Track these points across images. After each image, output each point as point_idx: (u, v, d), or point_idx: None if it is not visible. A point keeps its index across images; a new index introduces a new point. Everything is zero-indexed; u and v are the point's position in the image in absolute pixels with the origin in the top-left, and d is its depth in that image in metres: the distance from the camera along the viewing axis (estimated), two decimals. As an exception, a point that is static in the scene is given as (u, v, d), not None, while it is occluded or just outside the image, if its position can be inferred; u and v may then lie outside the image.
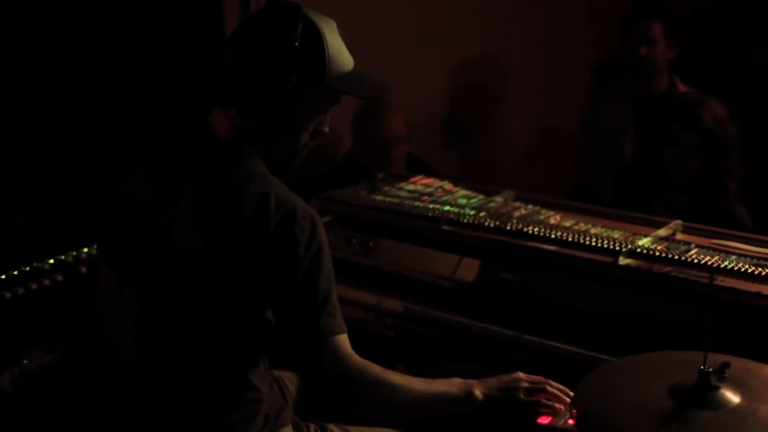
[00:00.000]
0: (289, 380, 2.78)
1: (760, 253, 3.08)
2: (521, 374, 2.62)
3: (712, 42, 5.69)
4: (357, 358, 2.41)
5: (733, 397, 2.13)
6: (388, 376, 2.45)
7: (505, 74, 5.48)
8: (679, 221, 3.30)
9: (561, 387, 2.61)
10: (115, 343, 2.54)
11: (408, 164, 4.45)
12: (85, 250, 3.30)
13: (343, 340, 2.39)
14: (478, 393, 2.53)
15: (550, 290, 3.09)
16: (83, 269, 3.23)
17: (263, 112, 2.42)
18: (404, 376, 2.49)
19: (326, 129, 2.54)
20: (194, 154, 2.46)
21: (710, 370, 2.13)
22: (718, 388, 2.13)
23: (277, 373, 2.69)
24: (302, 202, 2.40)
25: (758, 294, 2.81)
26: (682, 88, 4.60)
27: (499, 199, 3.57)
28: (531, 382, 2.60)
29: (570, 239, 3.15)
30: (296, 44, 2.38)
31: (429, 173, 4.06)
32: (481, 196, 3.60)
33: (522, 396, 2.58)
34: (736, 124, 4.07)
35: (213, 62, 2.38)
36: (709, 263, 2.96)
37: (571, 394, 2.57)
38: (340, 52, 2.47)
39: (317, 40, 2.41)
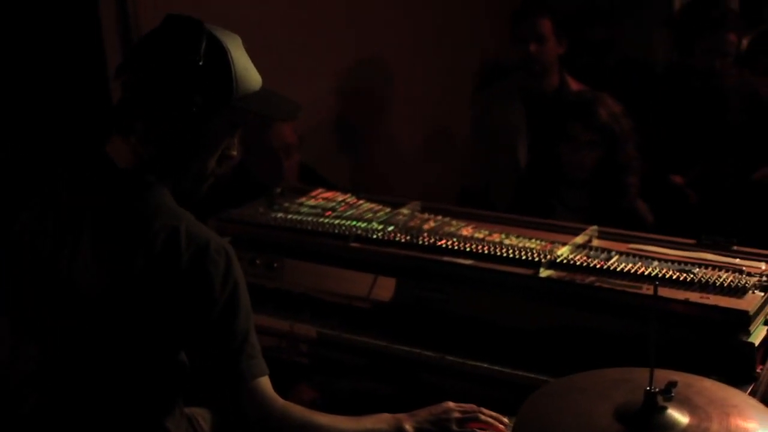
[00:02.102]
0: (202, 418, 2.61)
1: (679, 257, 3.02)
2: (451, 404, 2.49)
3: (585, 36, 5.71)
4: (280, 402, 2.28)
5: (681, 418, 2.04)
6: (314, 418, 2.31)
7: (392, 77, 5.40)
8: (595, 227, 3.22)
9: (494, 414, 2.50)
10: (14, 395, 2.32)
11: (301, 174, 4.30)
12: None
13: (265, 383, 2.26)
14: (408, 428, 2.41)
15: (469, 307, 2.98)
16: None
17: (166, 137, 2.25)
18: (330, 416, 2.34)
19: (234, 153, 2.39)
20: (93, 188, 2.28)
21: (656, 390, 2.04)
22: (665, 408, 2.04)
23: (188, 410, 2.52)
24: (215, 235, 2.26)
25: (686, 301, 2.73)
26: (573, 85, 4.56)
27: (405, 211, 3.44)
28: (462, 412, 2.48)
29: (486, 252, 3.04)
30: (200, 63, 2.22)
31: (322, 183, 3.94)
32: (386, 209, 3.46)
33: (454, 427, 2.45)
34: (629, 118, 4.03)
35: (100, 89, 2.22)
36: (633, 271, 2.88)
37: (505, 420, 2.48)
38: (247, 70, 2.32)
39: (222, 57, 2.26)
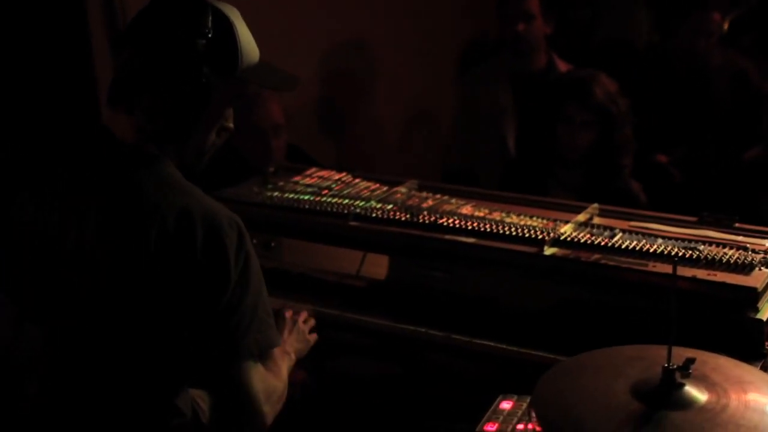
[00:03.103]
0: (201, 399, 2.56)
1: (682, 234, 3.00)
2: (288, 314, 2.69)
3: (568, 16, 5.69)
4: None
5: (699, 395, 2.03)
6: (273, 382, 2.33)
7: (374, 57, 5.36)
8: (596, 205, 3.20)
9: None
10: (16, 380, 2.27)
11: (288, 154, 4.25)
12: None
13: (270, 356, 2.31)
14: (293, 356, 2.56)
15: (473, 285, 2.95)
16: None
17: (171, 110, 2.21)
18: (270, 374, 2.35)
19: (231, 125, 2.38)
20: (96, 164, 2.22)
21: (674, 366, 2.02)
22: (683, 385, 2.03)
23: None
24: (224, 209, 2.23)
25: (693, 278, 2.72)
26: (561, 65, 4.54)
27: (403, 189, 3.40)
28: (294, 314, 2.70)
29: (489, 230, 3.01)
30: (209, 35, 2.19)
31: (310, 163, 3.89)
32: (383, 188, 3.42)
33: (306, 332, 2.70)
34: (625, 98, 4.02)
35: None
36: (638, 248, 2.87)
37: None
38: (249, 42, 2.31)
39: (228, 28, 2.24)
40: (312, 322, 2.75)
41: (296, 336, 2.66)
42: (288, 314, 2.67)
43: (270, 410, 2.28)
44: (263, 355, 2.28)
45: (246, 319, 2.20)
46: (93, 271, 2.16)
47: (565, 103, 3.90)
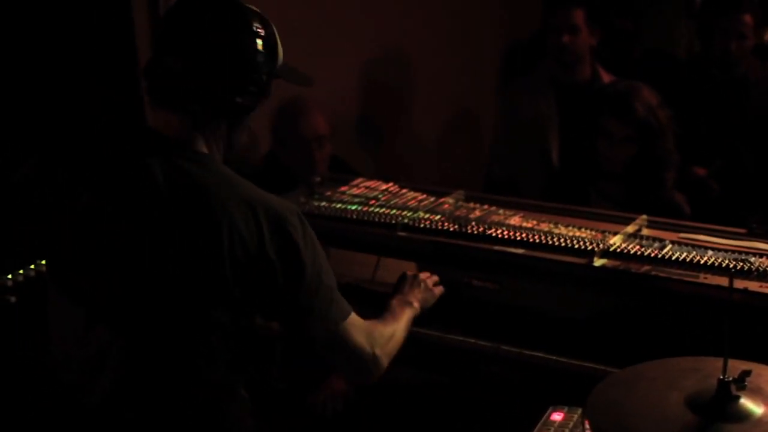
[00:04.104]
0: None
1: (732, 246, 2.99)
2: (408, 273, 2.73)
3: (612, 27, 5.68)
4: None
5: (755, 408, 2.01)
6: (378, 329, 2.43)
7: (415, 68, 5.37)
8: (644, 216, 3.20)
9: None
10: (77, 383, 2.27)
11: (330, 165, 4.27)
12: (9, 276, 3.02)
13: (355, 319, 2.37)
14: (416, 305, 2.62)
15: (522, 296, 2.97)
16: (12, 299, 2.97)
17: (227, 112, 2.25)
18: (384, 318, 2.50)
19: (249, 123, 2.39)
20: (155, 167, 2.21)
21: (729, 379, 2.01)
22: (738, 398, 2.02)
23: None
24: (280, 199, 2.27)
25: (745, 290, 2.71)
26: (605, 76, 4.53)
27: (450, 200, 3.41)
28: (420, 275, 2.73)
29: (538, 241, 3.01)
30: (263, 35, 2.25)
31: (353, 174, 3.91)
32: (430, 198, 3.43)
33: (432, 287, 2.72)
34: (667, 109, 4.00)
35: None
36: (688, 259, 2.86)
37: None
38: (279, 40, 2.35)
39: (270, 30, 2.30)
40: (436, 277, 2.78)
41: (419, 288, 2.69)
42: (408, 272, 2.74)
43: (381, 352, 2.38)
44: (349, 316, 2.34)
45: (327, 293, 2.28)
46: (165, 269, 2.17)
47: (605, 118, 3.89)
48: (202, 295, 2.17)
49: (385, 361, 2.38)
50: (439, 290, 2.76)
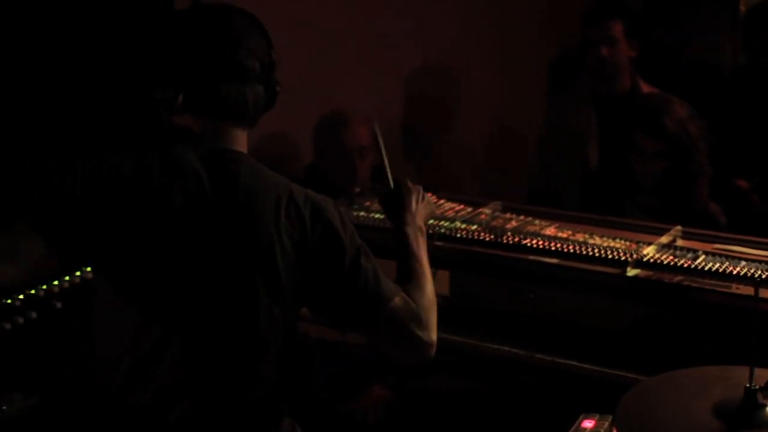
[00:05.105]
0: None
1: (767, 257, 3.00)
2: (410, 184, 2.66)
3: (654, 36, 5.67)
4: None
5: (781, 415, 2.02)
6: (414, 296, 2.41)
7: (459, 79, 5.40)
8: (679, 227, 3.22)
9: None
10: (125, 384, 2.31)
11: (373, 176, 4.31)
12: (56, 283, 3.09)
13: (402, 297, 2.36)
14: (424, 228, 2.60)
15: (555, 305, 3.00)
16: (58, 304, 3.03)
17: (249, 120, 2.34)
18: (409, 273, 2.47)
19: None
20: (199, 164, 2.26)
21: (756, 387, 2.04)
22: (764, 406, 2.04)
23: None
24: (309, 190, 2.32)
25: (772, 300, 2.72)
26: (645, 88, 4.55)
27: (487, 211, 3.45)
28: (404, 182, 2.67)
29: (572, 251, 3.05)
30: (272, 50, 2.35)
31: (396, 186, 3.93)
32: (468, 209, 3.48)
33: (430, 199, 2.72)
34: (700, 121, 4.01)
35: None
36: (721, 270, 2.88)
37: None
38: None
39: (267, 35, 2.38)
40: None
41: (424, 204, 2.67)
42: (411, 184, 2.68)
43: (429, 329, 2.38)
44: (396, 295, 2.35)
45: (370, 274, 2.30)
46: (217, 264, 2.22)
47: (636, 132, 3.91)
48: (255, 288, 2.22)
49: (433, 337, 2.38)
50: (433, 200, 2.77)
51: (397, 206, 2.62)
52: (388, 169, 2.73)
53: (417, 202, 2.63)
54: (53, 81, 3.37)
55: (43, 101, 3.34)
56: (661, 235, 3.18)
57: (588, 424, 2.49)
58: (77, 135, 3.38)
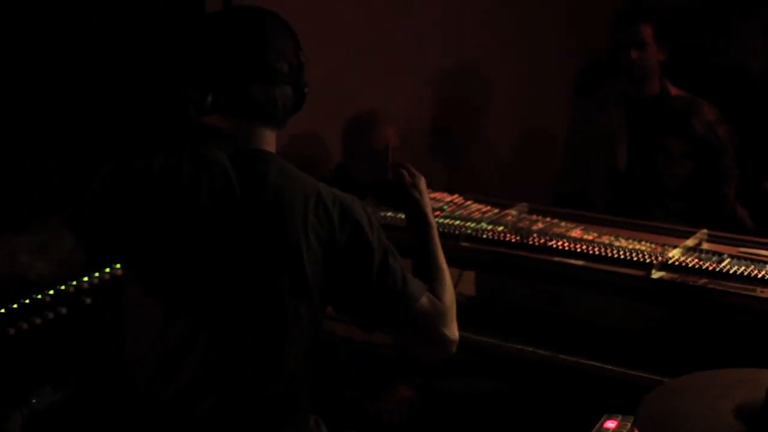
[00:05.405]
0: None
1: (794, 261, 3.01)
2: (417, 176, 2.60)
3: (685, 41, 5.66)
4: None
5: (804, 417, 2.03)
6: (438, 293, 2.42)
7: (487, 80, 5.41)
8: (705, 230, 3.23)
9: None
10: (152, 378, 2.34)
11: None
12: (86, 279, 3.12)
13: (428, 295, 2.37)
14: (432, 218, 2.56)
15: (580, 306, 3.01)
16: (87, 300, 3.07)
17: (279, 121, 2.37)
18: (443, 281, 2.45)
19: None
20: (228, 162, 2.29)
21: (778, 389, 2.05)
22: (787, 408, 2.04)
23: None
24: (337, 190, 2.33)
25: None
26: (673, 91, 4.54)
27: (513, 212, 3.47)
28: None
29: (597, 253, 3.06)
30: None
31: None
32: (494, 210, 3.49)
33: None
34: (728, 125, 4.01)
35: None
36: (746, 274, 2.89)
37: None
38: None
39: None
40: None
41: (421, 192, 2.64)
42: (415, 171, 2.64)
43: (452, 326, 2.39)
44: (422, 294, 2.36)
45: (398, 274, 2.31)
46: (245, 261, 2.24)
47: (664, 134, 3.92)
48: (282, 287, 2.24)
49: (456, 334, 2.40)
50: None
51: (405, 198, 2.58)
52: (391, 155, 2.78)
53: (425, 193, 2.59)
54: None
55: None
56: (687, 238, 3.18)
57: (610, 424, 2.51)
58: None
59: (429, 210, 2.56)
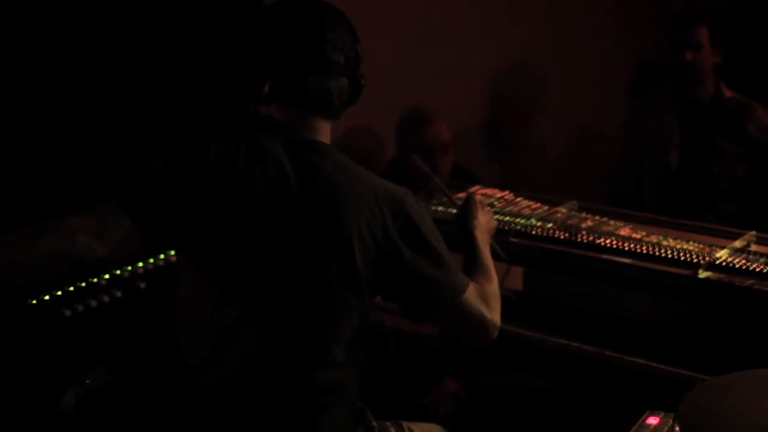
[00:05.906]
0: None
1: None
2: (477, 198, 2.82)
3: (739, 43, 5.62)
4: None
5: None
6: (482, 277, 2.53)
7: (542, 79, 5.43)
8: (753, 232, 3.23)
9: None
10: (201, 360, 2.39)
11: (453, 173, 4.37)
12: (141, 264, 3.20)
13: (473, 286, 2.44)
14: (488, 235, 2.74)
15: (626, 304, 3.02)
16: (142, 285, 3.14)
17: (337, 113, 2.43)
18: (472, 266, 2.56)
19: None
20: (283, 153, 2.34)
21: (821, 388, 2.06)
22: (829, 408, 2.06)
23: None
24: (390, 183, 2.38)
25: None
26: (728, 93, 4.53)
27: (563, 209, 3.50)
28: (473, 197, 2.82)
29: (645, 252, 3.08)
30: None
31: (474, 182, 3.99)
32: (544, 207, 3.52)
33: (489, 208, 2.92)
34: None
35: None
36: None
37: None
38: None
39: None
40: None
41: (487, 214, 2.81)
42: (476, 196, 2.84)
43: (496, 314, 2.48)
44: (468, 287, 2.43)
45: (447, 266, 2.38)
46: (295, 251, 2.29)
47: (718, 137, 3.92)
48: (332, 276, 2.29)
49: (499, 321, 2.47)
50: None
51: (466, 217, 2.74)
52: (448, 194, 3.03)
53: (481, 213, 2.75)
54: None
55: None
56: (736, 239, 3.19)
57: (653, 420, 2.54)
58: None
59: (484, 224, 2.72)
